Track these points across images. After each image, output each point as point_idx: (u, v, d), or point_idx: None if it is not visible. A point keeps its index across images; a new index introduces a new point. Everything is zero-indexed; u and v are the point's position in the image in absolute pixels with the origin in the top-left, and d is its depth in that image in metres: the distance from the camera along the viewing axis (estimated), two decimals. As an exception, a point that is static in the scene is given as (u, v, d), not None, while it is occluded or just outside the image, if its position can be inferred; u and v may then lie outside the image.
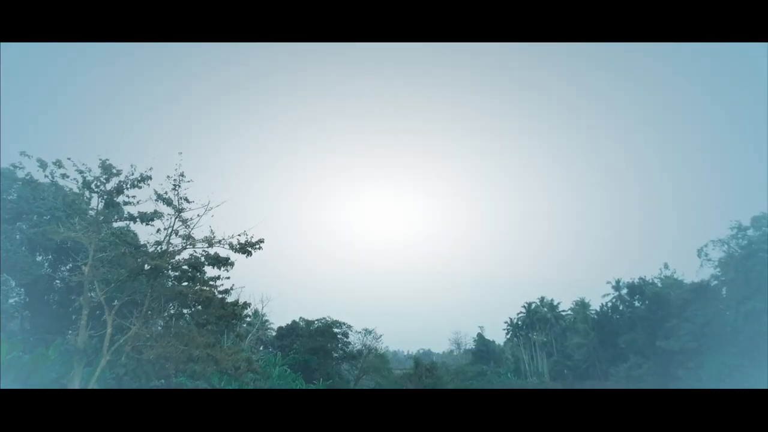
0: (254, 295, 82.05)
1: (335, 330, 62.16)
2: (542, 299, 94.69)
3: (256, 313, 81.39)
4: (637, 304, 61.48)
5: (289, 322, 72.97)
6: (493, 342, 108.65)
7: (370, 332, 63.57)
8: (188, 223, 16.73)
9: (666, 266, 58.00)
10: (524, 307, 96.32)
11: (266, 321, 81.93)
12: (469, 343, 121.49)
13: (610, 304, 68.18)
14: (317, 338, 61.01)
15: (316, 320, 64.18)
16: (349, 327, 62.89)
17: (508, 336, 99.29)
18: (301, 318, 72.40)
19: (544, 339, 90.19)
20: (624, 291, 68.80)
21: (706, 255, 49.34)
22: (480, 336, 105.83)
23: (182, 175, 16.25)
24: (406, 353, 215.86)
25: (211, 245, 16.57)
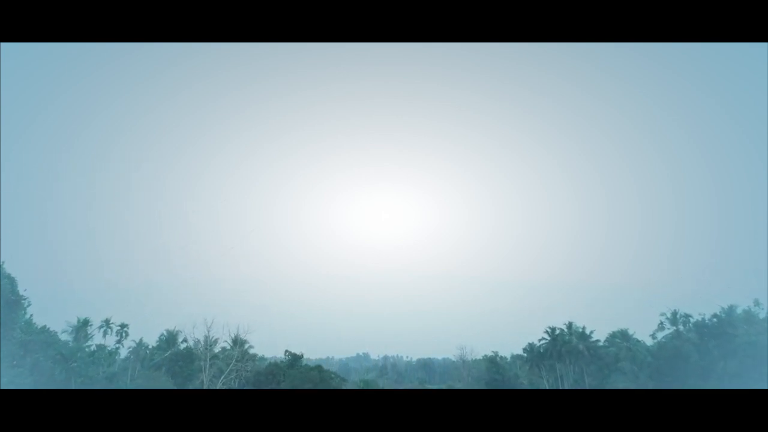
0: (230, 321, 68.00)
1: (323, 382, 48.94)
2: (570, 325, 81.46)
3: (235, 341, 67.70)
4: (711, 348, 48.39)
5: (272, 356, 59.59)
6: (505, 359, 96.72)
7: (368, 384, 50.91)
8: None
9: (757, 303, 44.76)
10: (547, 332, 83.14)
11: (249, 348, 68.88)
12: (475, 355, 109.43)
13: (668, 344, 55.06)
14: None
15: (303, 364, 51.01)
16: (343, 380, 49.77)
17: (528, 366, 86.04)
18: (287, 352, 59.60)
19: (574, 374, 77.10)
20: (682, 326, 56.00)
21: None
22: (493, 361, 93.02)
23: None
24: (406, 359, 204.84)
25: None
